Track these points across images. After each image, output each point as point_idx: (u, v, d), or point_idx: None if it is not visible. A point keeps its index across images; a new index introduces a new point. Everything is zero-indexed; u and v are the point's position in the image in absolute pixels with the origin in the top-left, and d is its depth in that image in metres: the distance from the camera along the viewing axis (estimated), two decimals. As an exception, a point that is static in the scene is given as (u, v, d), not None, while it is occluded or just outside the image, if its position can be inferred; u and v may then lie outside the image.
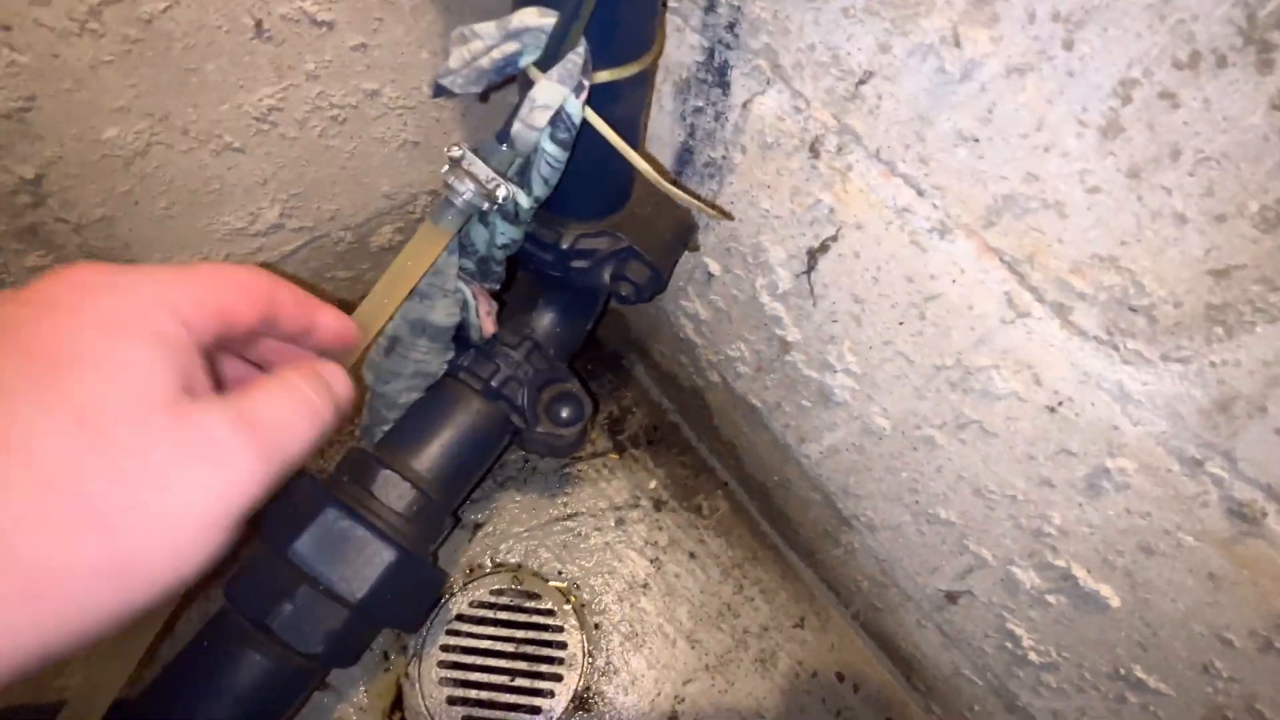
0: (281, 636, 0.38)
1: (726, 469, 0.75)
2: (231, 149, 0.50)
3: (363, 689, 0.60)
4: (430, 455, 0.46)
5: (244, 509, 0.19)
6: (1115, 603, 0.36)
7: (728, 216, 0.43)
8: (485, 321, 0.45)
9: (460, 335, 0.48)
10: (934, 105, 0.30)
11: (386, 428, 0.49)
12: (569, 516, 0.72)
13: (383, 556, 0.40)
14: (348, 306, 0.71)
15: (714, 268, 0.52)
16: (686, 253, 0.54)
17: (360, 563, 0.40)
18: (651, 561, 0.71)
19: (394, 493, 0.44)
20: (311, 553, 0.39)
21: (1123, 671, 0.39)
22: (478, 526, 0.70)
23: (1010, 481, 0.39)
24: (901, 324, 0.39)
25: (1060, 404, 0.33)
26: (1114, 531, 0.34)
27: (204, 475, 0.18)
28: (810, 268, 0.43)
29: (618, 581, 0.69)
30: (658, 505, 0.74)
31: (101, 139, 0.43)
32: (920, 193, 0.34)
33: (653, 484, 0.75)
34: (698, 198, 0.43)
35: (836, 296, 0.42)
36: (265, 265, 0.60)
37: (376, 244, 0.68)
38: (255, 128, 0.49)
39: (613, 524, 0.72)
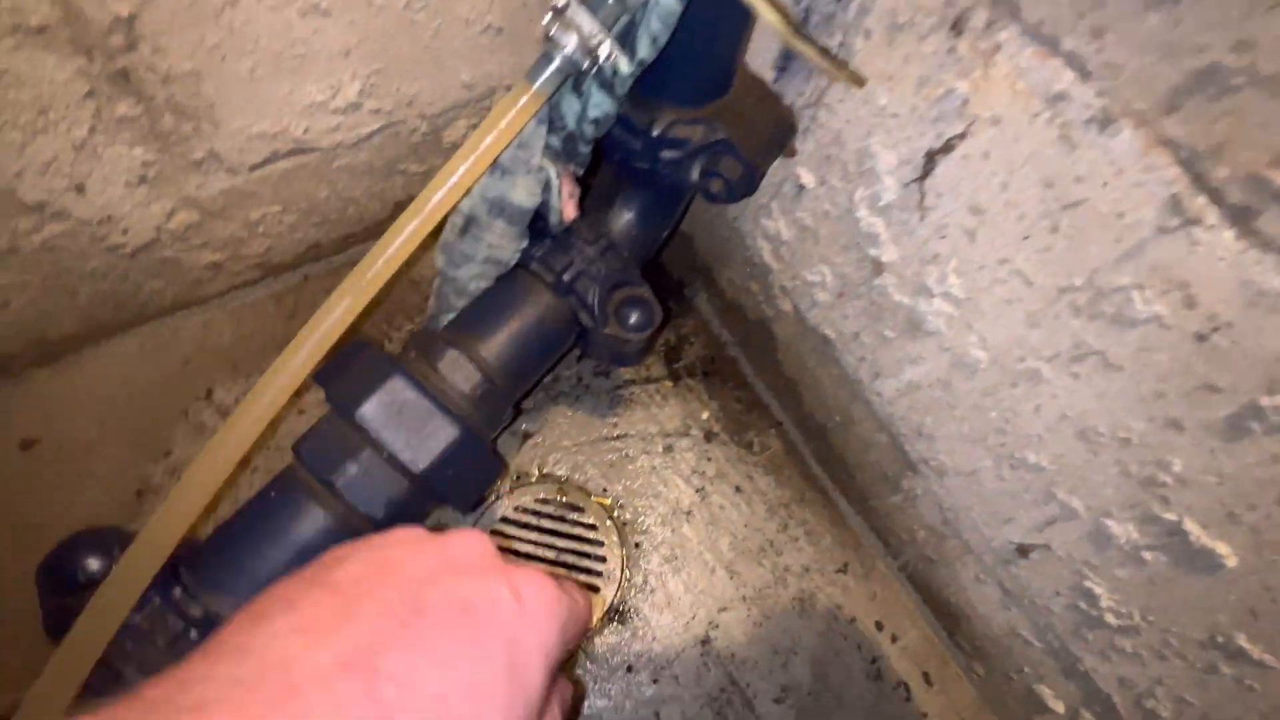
0: (345, 495, 0.39)
1: (783, 407, 0.73)
2: (318, 10, 0.48)
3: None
4: (497, 343, 0.45)
5: None
6: (1231, 563, 0.33)
7: (859, 82, 0.39)
8: (567, 205, 0.43)
9: (534, 226, 0.46)
10: (1128, -42, 0.26)
11: (452, 316, 0.49)
12: (618, 437, 0.71)
13: (447, 432, 0.40)
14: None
15: (807, 179, 0.49)
16: (776, 164, 0.50)
17: (424, 435, 0.39)
18: (697, 490, 0.70)
19: (460, 374, 0.43)
20: (377, 418, 0.39)
21: (1220, 639, 0.36)
22: (527, 436, 0.70)
23: (1126, 422, 0.35)
24: (1026, 238, 0.35)
25: (1215, 330, 0.29)
26: (1249, 482, 0.31)
27: None
28: (925, 174, 0.39)
29: (661, 505, 0.68)
30: (708, 436, 0.72)
31: (193, -20, 0.42)
32: (1084, 75, 0.29)
33: (705, 415, 0.74)
34: (830, 58, 0.39)
35: (950, 208, 0.39)
36: (340, 147, 0.60)
37: (450, 139, 0.66)
38: (343, -12, 0.47)
39: (661, 450, 0.71)
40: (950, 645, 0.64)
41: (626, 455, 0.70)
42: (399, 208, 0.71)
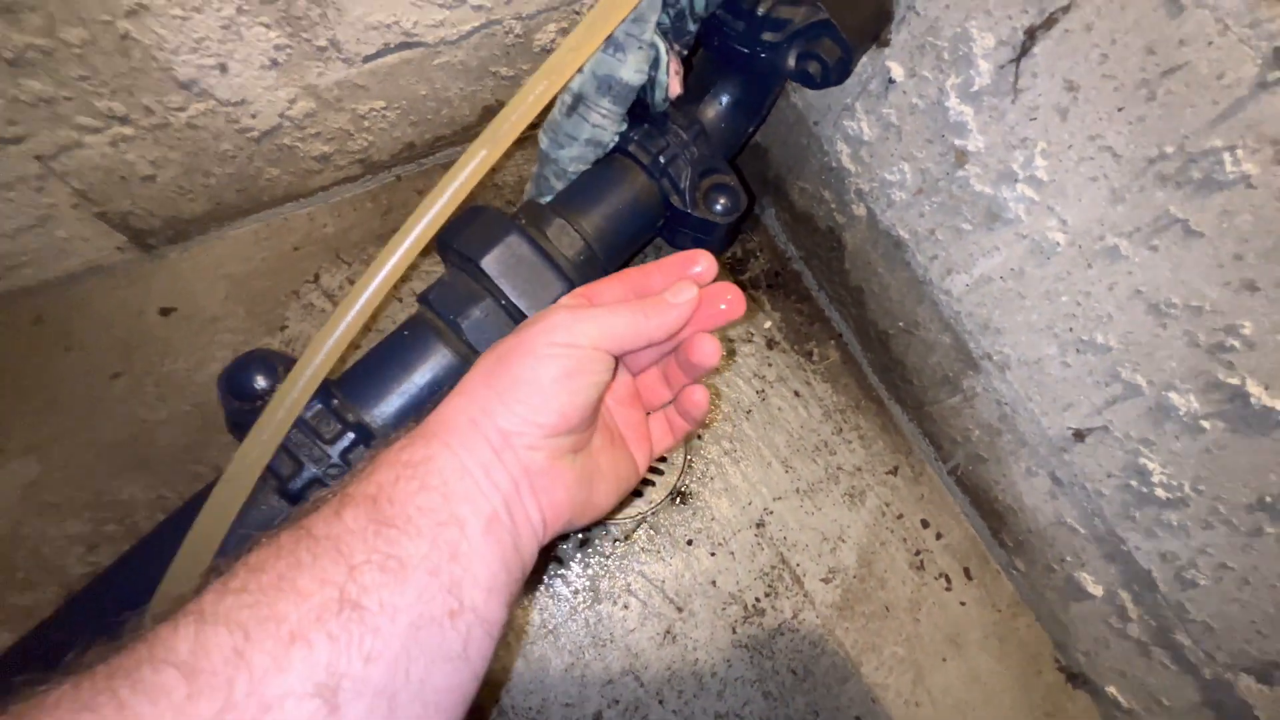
0: (468, 337, 0.44)
1: (844, 319, 0.76)
2: (438, -102, 0.51)
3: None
4: (597, 216, 0.49)
5: None
6: (1290, 418, 0.36)
7: None
8: (673, 81, 0.46)
9: (632, 112, 0.50)
10: None
11: (550, 199, 0.53)
12: (684, 339, 0.75)
13: (557, 287, 0.44)
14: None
15: (897, 72, 0.50)
16: (864, 61, 0.52)
17: (538, 287, 0.44)
18: (757, 392, 0.74)
19: (565, 239, 0.47)
20: (498, 269, 0.44)
21: (1269, 499, 0.39)
22: (600, 333, 0.75)
23: (1201, 290, 0.37)
24: (1121, 110, 0.37)
25: (1302, 184, 0.31)
26: (1317, 336, 0.33)
27: None
28: (1022, 54, 0.41)
29: (723, 404, 0.73)
30: (770, 344, 0.76)
31: None
32: (1200, -67, 0.31)
33: (767, 324, 0.77)
34: None
35: (1045, 86, 0.40)
36: (442, 44, 0.63)
37: (539, 43, 0.69)
38: (462, -125, 0.50)
39: (725, 353, 0.75)
40: (992, 544, 0.68)
41: (692, 356, 0.75)
42: (487, 112, 0.75)
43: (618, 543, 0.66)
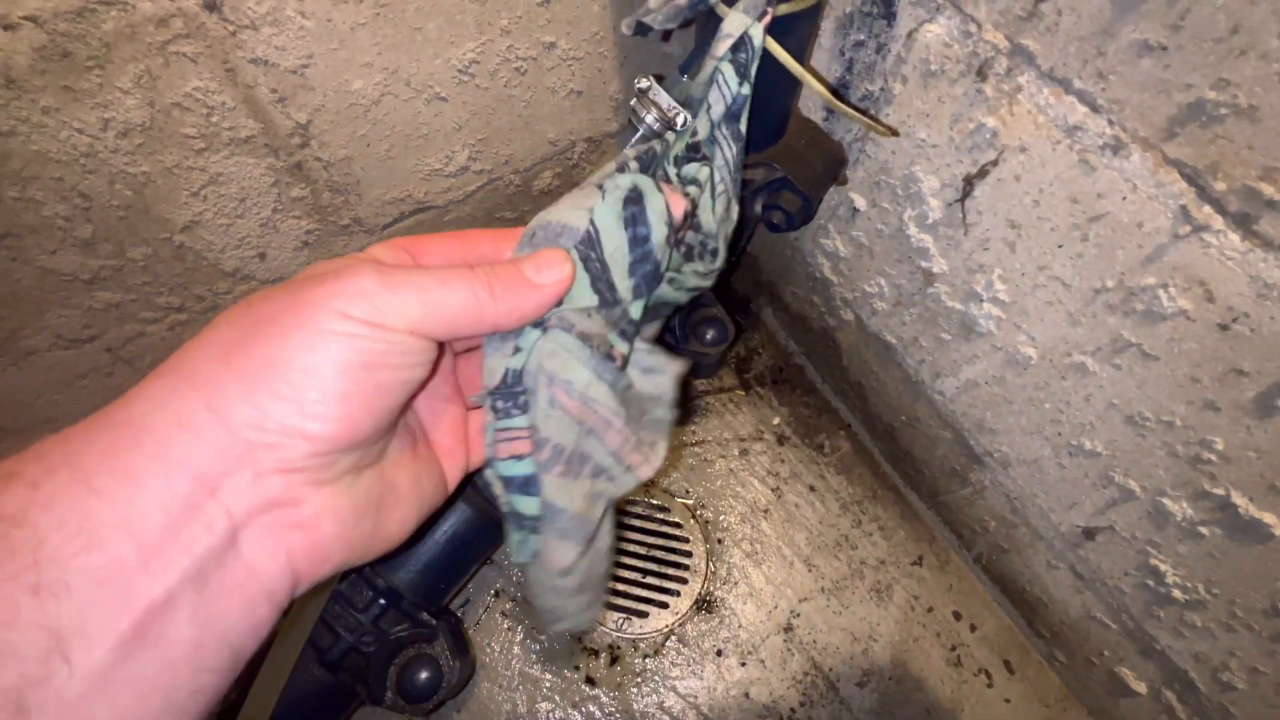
0: (485, 492, 0.48)
1: (850, 410, 0.78)
2: (439, 98, 0.59)
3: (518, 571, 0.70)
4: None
5: None
6: None
7: (893, 132, 0.45)
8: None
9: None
10: (1119, 17, 0.31)
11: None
12: (697, 443, 0.78)
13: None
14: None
15: (860, 203, 0.54)
16: (830, 191, 0.56)
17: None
18: (773, 490, 0.75)
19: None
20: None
21: (1281, 606, 0.38)
22: (615, 444, 0.78)
23: (1168, 406, 0.39)
24: (1061, 247, 0.40)
25: (1234, 320, 0.33)
26: (1285, 455, 0.34)
27: None
28: (965, 195, 0.44)
29: (740, 504, 0.74)
30: (780, 440, 0.78)
31: (351, 90, 0.53)
32: (1095, 109, 0.34)
33: (776, 420, 0.79)
34: (867, 115, 0.46)
35: (991, 223, 0.44)
36: (451, 203, 0.71)
37: (538, 187, 0.76)
38: (458, 79, 0.58)
39: (737, 453, 0.77)
40: (1030, 634, 0.66)
41: (705, 459, 0.77)
42: (496, 249, 0.82)
43: (648, 658, 0.66)
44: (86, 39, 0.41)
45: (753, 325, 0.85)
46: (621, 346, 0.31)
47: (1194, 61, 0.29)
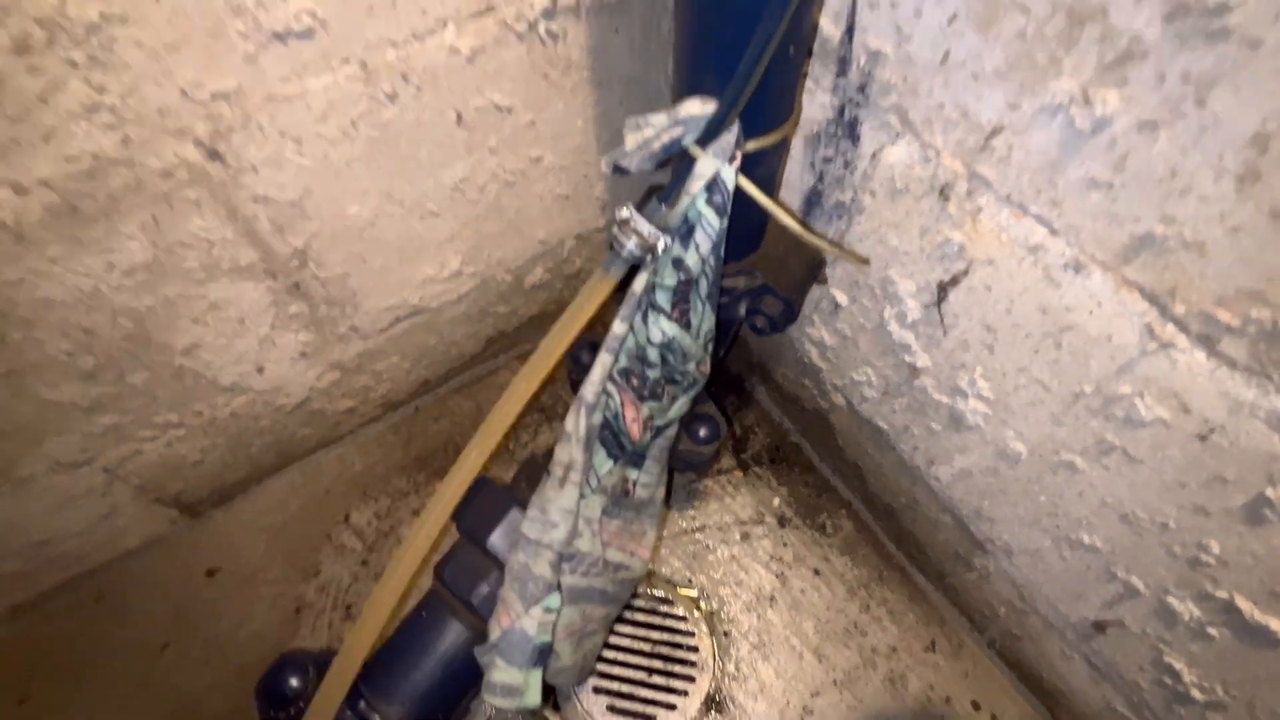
0: (480, 611, 0.47)
1: (850, 489, 0.77)
2: (431, 214, 0.61)
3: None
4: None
5: None
6: (1287, 638, 0.35)
7: (864, 261, 0.47)
8: (631, 427, 0.51)
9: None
10: (1065, 156, 0.33)
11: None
12: (697, 529, 0.77)
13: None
14: (507, 337, 0.82)
15: (841, 299, 0.56)
16: (812, 287, 0.58)
17: (540, 556, 0.47)
18: (777, 576, 0.74)
19: (563, 498, 0.51)
20: (502, 545, 0.48)
21: (1302, 713, 0.37)
22: (615, 534, 0.77)
23: (1160, 509, 0.39)
24: (1037, 352, 0.41)
25: (1211, 432, 0.33)
26: (1281, 563, 0.34)
27: None
28: (940, 299, 0.46)
29: (745, 593, 0.73)
30: (782, 522, 0.77)
31: (347, 214, 0.56)
32: (1053, 232, 0.36)
33: (776, 501, 0.79)
34: (837, 246, 0.48)
35: (968, 326, 0.45)
36: (445, 305, 0.72)
37: (530, 282, 0.78)
38: (449, 196, 0.61)
39: (738, 538, 0.76)
40: (1053, 723, 0.64)
41: (707, 546, 0.76)
42: (490, 342, 0.83)
43: (657, 768, 0.64)
44: (95, 195, 0.43)
45: (747, 404, 0.86)
46: (633, 474, 0.51)
47: (1139, 198, 0.31)
